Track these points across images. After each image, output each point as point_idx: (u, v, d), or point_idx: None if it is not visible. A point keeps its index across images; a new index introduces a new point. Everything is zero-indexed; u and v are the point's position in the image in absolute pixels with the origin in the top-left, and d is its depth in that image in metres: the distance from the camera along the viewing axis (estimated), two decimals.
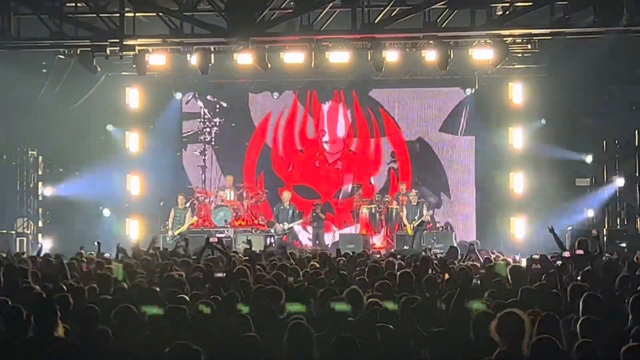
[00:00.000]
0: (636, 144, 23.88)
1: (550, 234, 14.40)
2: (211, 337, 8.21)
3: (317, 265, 13.86)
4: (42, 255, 16.61)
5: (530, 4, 18.38)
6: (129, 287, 11.01)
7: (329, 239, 25.68)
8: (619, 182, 24.10)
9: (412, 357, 7.93)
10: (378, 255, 18.66)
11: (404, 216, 23.91)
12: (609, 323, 8.45)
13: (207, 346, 7.95)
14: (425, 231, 23.78)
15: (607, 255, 14.97)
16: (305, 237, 25.80)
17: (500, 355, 6.84)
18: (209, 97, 26.85)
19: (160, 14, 19.04)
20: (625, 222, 23.97)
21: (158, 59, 20.55)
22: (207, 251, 14.25)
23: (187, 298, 9.65)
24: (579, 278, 11.56)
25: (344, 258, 15.30)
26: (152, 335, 8.15)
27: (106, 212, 25.92)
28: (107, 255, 16.53)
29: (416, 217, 23.70)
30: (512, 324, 6.89)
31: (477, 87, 25.50)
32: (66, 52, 20.80)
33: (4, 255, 16.66)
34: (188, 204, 24.43)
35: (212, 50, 20.01)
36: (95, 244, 16.55)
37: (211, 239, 13.93)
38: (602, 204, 24.50)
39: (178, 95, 26.67)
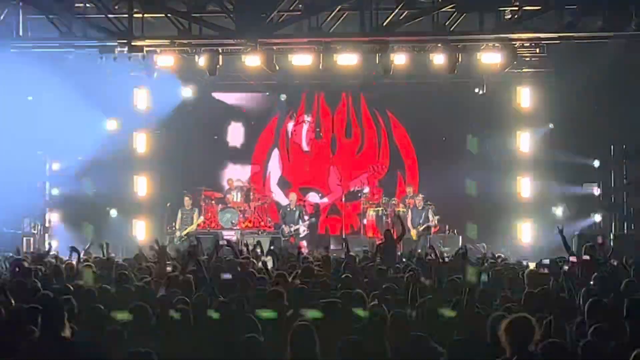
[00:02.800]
0: None
1: (554, 236, 14.42)
2: (217, 340, 8.22)
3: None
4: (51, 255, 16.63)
5: (539, 8, 18.37)
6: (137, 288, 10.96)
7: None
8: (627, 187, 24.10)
9: None
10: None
11: (409, 220, 23.81)
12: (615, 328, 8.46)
13: (212, 349, 7.98)
14: (430, 235, 23.70)
15: (613, 260, 14.91)
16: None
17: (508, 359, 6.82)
18: (216, 99, 26.85)
19: (169, 15, 19.06)
20: (633, 227, 23.92)
21: (166, 60, 20.57)
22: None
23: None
24: (591, 282, 11.53)
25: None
26: (161, 339, 8.17)
27: (113, 213, 25.93)
28: (112, 255, 16.56)
29: (421, 222, 23.65)
30: (522, 328, 6.85)
31: (484, 90, 25.43)
32: (75, 52, 20.83)
33: (12, 254, 16.68)
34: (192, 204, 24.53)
35: (220, 51, 20.02)
36: (104, 244, 16.54)
37: (220, 242, 13.95)
38: (609, 209, 24.48)
39: (186, 96, 26.65)
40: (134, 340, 7.99)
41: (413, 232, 23.50)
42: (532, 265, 15.92)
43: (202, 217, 24.59)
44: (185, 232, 23.84)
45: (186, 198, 24.53)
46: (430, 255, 15.55)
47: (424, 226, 23.55)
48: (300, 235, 24.32)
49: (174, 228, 24.28)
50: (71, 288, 10.41)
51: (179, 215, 24.27)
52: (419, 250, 21.68)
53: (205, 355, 8.01)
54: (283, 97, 26.73)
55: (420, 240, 23.33)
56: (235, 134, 27.09)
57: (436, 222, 23.81)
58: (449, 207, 25.10)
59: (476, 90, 25.26)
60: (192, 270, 11.79)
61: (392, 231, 19.40)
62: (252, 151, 27.15)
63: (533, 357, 6.78)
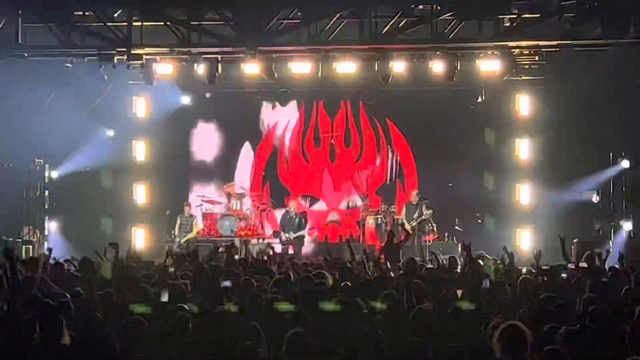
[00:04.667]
0: None
1: (555, 244, 14.42)
2: (215, 348, 8.22)
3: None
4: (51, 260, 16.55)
5: (538, 15, 18.41)
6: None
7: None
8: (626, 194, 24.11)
9: None
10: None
11: (402, 214, 23.77)
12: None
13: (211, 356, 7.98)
14: (430, 242, 23.66)
15: (614, 267, 14.91)
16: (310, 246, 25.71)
17: None
18: (215, 107, 26.83)
19: (168, 23, 19.10)
20: (632, 235, 23.90)
21: (165, 68, 20.59)
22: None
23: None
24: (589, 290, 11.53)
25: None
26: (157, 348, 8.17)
27: (107, 222, 25.81)
28: None
29: (415, 217, 23.58)
30: (514, 337, 6.84)
31: (483, 98, 25.46)
32: (74, 60, 20.86)
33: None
34: (193, 211, 24.56)
35: (219, 59, 20.05)
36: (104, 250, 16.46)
37: (220, 249, 13.98)
38: (608, 216, 24.47)
39: (185, 104, 26.67)
40: (134, 346, 8.01)
41: (407, 227, 23.29)
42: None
43: (201, 225, 24.61)
44: (184, 240, 23.84)
45: (186, 206, 24.56)
46: (431, 264, 15.53)
47: (418, 220, 23.49)
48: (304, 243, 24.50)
49: (173, 235, 24.28)
50: (68, 295, 10.39)
51: (178, 222, 24.29)
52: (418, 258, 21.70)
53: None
54: (282, 104, 26.73)
55: (422, 249, 23.25)
56: (234, 141, 27.07)
57: (430, 217, 23.66)
58: (449, 214, 25.10)
59: (473, 103, 25.26)
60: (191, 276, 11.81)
61: (394, 234, 19.35)
62: (251, 159, 27.15)
63: None
